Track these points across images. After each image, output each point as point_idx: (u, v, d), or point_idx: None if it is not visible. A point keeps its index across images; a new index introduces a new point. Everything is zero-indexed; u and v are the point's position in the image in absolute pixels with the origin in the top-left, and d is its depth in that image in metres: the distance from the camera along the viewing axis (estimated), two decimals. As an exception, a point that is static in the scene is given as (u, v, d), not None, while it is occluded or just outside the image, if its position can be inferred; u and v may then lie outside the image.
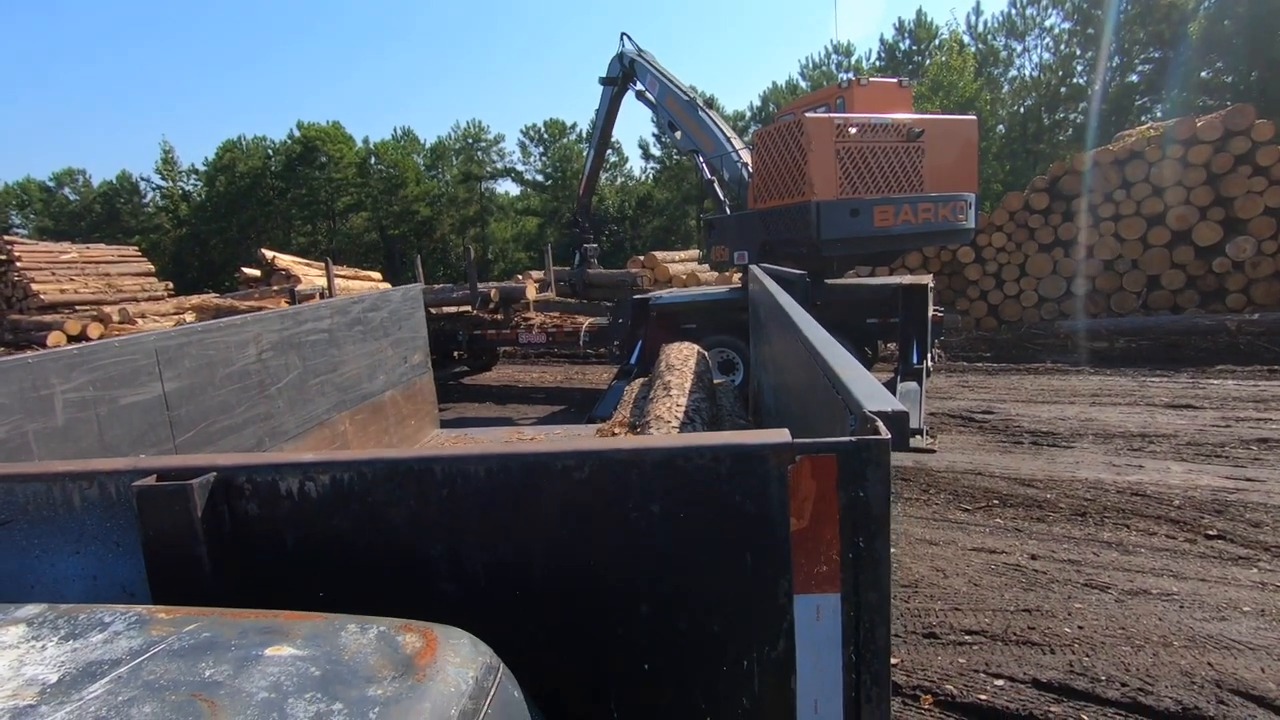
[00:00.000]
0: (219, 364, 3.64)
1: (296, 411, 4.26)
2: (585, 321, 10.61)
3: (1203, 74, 26.82)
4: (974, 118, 8.36)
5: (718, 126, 8.98)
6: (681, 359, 4.78)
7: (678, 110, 9.25)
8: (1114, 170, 11.62)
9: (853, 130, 7.13)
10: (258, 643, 0.86)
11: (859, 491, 1.05)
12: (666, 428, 3.42)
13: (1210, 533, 4.43)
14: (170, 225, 43.67)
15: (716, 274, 11.98)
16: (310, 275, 14.93)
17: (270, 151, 43.37)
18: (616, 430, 4.18)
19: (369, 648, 0.85)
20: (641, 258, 17.13)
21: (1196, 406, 7.28)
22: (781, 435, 1.11)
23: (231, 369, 3.74)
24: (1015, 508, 5.03)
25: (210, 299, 14.27)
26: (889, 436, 1.05)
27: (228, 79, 73.78)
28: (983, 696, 3.02)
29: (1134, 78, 30.08)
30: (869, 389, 1.23)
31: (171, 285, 17.24)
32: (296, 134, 41.89)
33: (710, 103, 9.81)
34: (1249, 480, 5.23)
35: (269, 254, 15.93)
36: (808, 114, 7.43)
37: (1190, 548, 4.28)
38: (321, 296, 12.12)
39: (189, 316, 12.56)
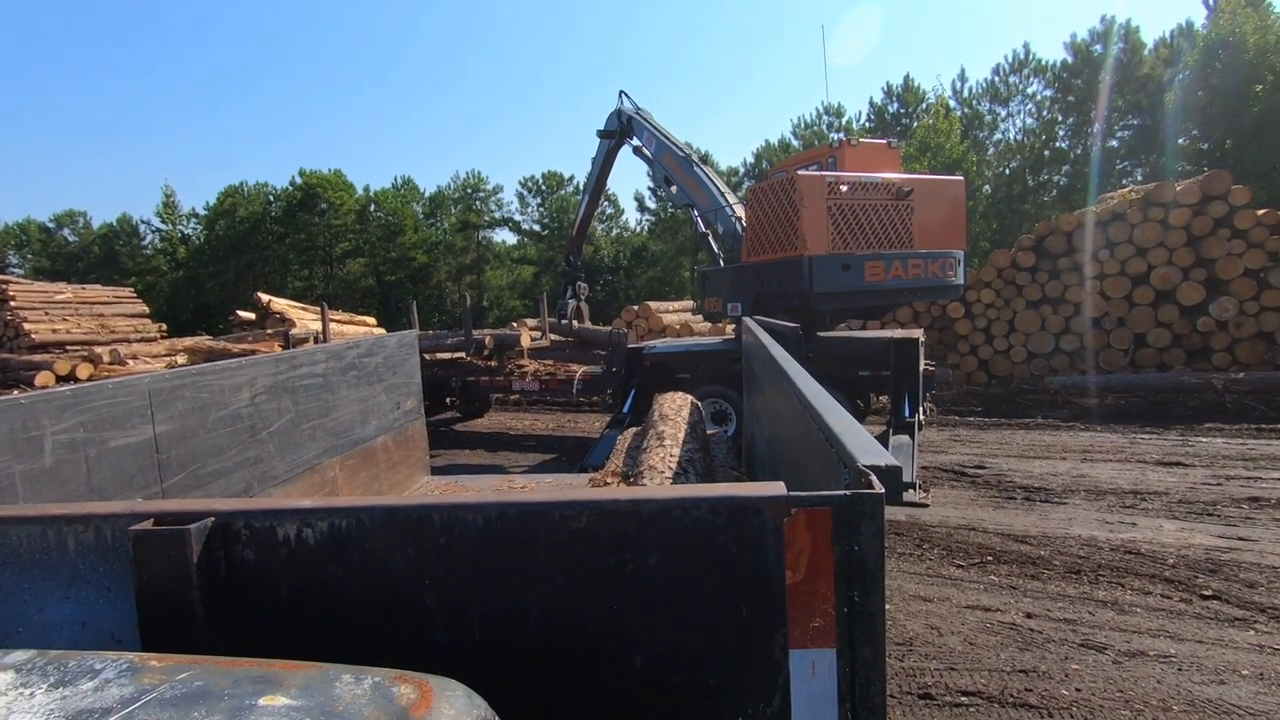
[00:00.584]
0: (211, 407, 3.63)
1: (287, 456, 4.23)
2: (579, 370, 10.65)
3: (1180, 140, 27.80)
4: (960, 178, 8.57)
5: (712, 182, 9.22)
6: (675, 409, 4.80)
7: (673, 166, 9.51)
8: (1098, 231, 11.93)
9: (844, 188, 7.33)
10: (251, 692, 0.85)
11: (854, 545, 1.06)
12: (660, 478, 3.41)
13: (1205, 593, 4.40)
14: (167, 268, 43.87)
15: (710, 325, 12.10)
16: (305, 319, 14.97)
17: (271, 197, 43.97)
18: (609, 480, 4.16)
19: (364, 699, 0.85)
20: (635, 307, 17.29)
21: (1187, 464, 7.31)
22: (777, 488, 1.12)
23: (224, 412, 3.72)
24: (1009, 564, 4.99)
25: (203, 341, 14.25)
26: (883, 490, 1.07)
27: (231, 124, 75.21)
28: (980, 761, 2.95)
29: (1114, 143, 31.16)
30: (862, 443, 1.25)
31: (165, 327, 17.22)
32: (298, 180, 42.59)
33: (705, 159, 10.11)
34: (1242, 539, 5.22)
35: (264, 297, 15.99)
36: (800, 171, 7.66)
37: (1186, 608, 4.24)
38: (316, 341, 12.14)
39: (181, 359, 12.53)
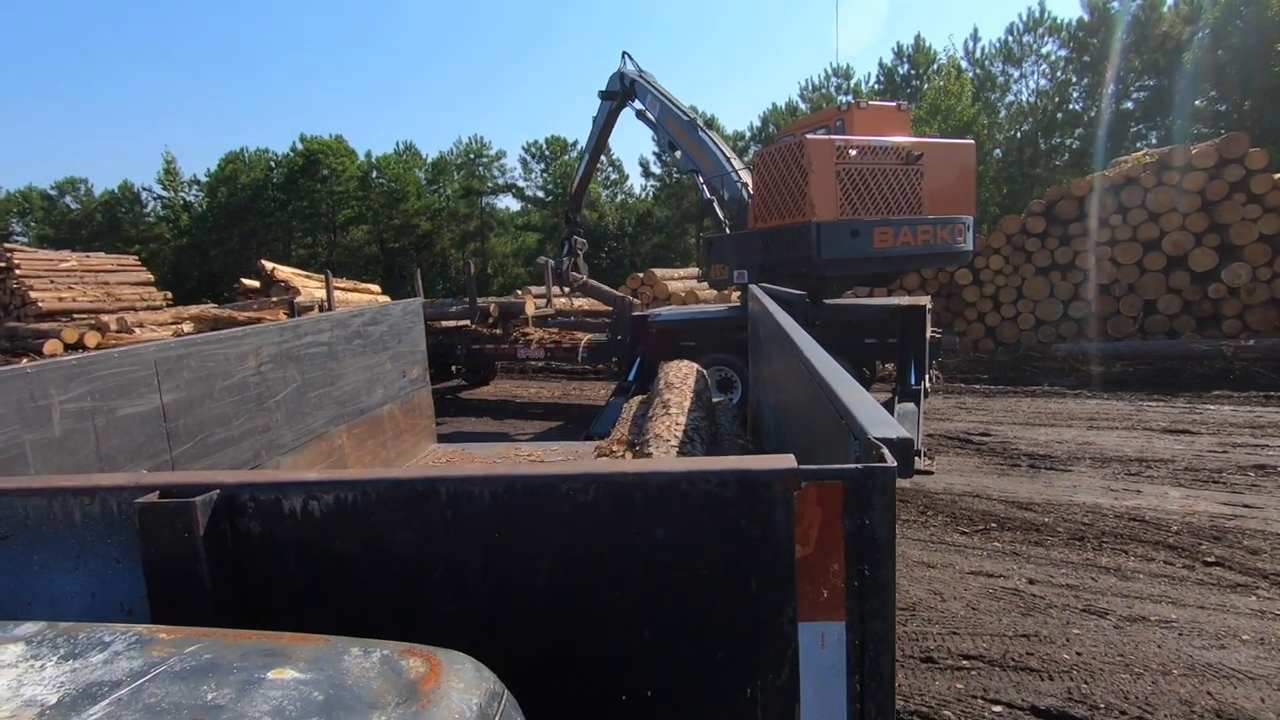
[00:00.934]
0: (218, 376, 3.63)
1: (294, 425, 4.24)
2: (584, 337, 10.63)
3: (1197, 102, 27.16)
4: (971, 142, 8.37)
5: (717, 147, 9.06)
6: (680, 377, 4.78)
7: (678, 130, 9.34)
8: (1110, 196, 11.73)
9: (853, 152, 7.19)
10: (260, 665, 0.85)
11: (864, 519, 1.05)
12: (665, 446, 3.41)
13: (1208, 559, 4.41)
14: (171, 235, 43.72)
15: (715, 292, 11.99)
16: (309, 287, 14.95)
17: (273, 163, 43.58)
18: (615, 448, 4.17)
19: (372, 672, 0.85)
20: (640, 274, 17.19)
21: (1193, 432, 7.29)
22: (787, 461, 1.11)
23: (230, 381, 3.73)
24: (1013, 531, 5.01)
25: (209, 309, 14.27)
26: (895, 464, 1.05)
27: (231, 90, 74.28)
28: (981, 723, 2.99)
29: (1130, 105, 30.46)
30: (873, 414, 1.23)
31: (170, 295, 17.23)
32: (299, 147, 42.13)
33: (710, 123, 9.92)
34: (1246, 507, 5.23)
35: (269, 265, 15.96)
36: (809, 135, 7.50)
37: (1189, 574, 4.26)
38: (321, 309, 12.13)
39: (187, 327, 12.54)
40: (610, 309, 10.45)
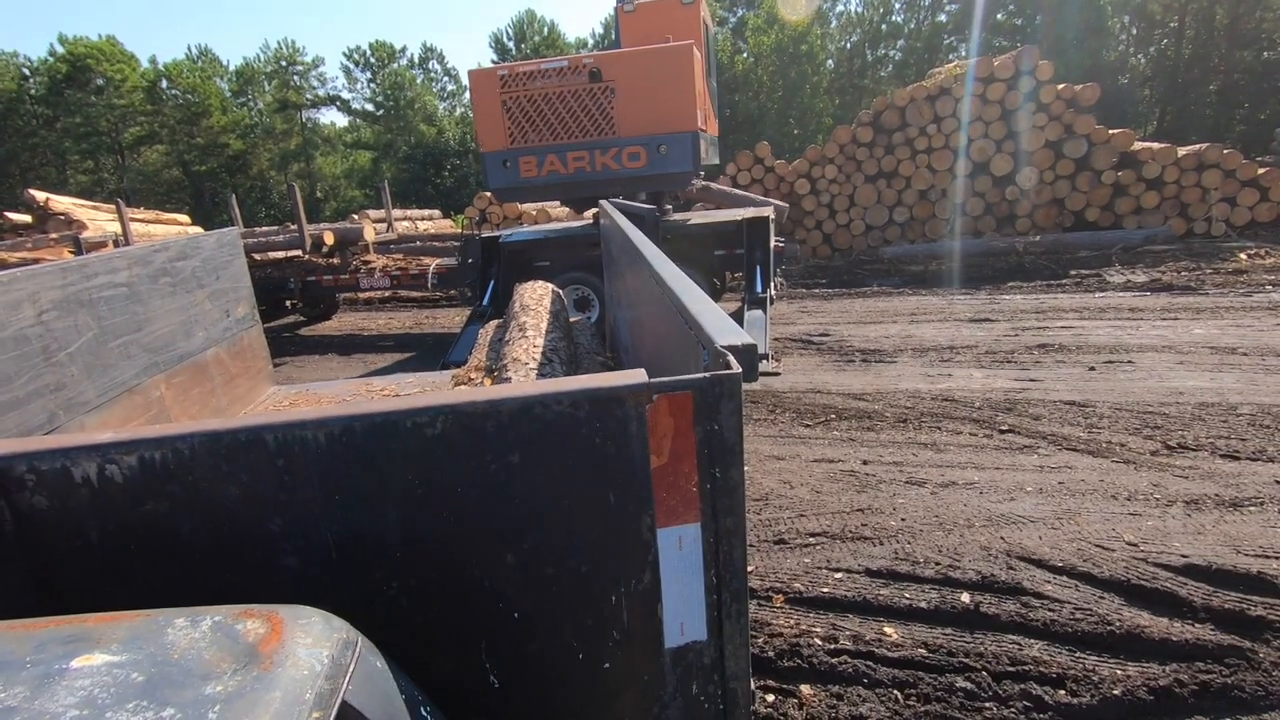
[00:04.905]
0: (-16, 330, 3.07)
1: (96, 379, 3.72)
2: (432, 263, 10.09)
3: (998, 16, 29.52)
4: (687, 44, 7.15)
5: None
6: (536, 298, 4.69)
7: None
8: (927, 105, 12.63)
9: (523, 77, 7.02)
10: (60, 654, 0.75)
11: (714, 425, 1.09)
12: (524, 370, 3.36)
13: (1003, 428, 5.15)
14: (-106, 161, 35.65)
15: (568, 210, 11.75)
16: (99, 220, 12.86)
17: (27, 71, 36.21)
18: (473, 375, 4.05)
19: (203, 642, 0.77)
20: (488, 193, 16.42)
21: (993, 320, 8.32)
22: (638, 376, 1.11)
23: (3, 334, 3.16)
24: (849, 420, 5.54)
25: (-35, 251, 11.91)
26: (740, 370, 1.09)
27: (-47, -23, 59.77)
28: (825, 589, 3.37)
29: (943, 17, 32.54)
30: (720, 324, 1.26)
31: (-95, 236, 14.15)
32: (60, 50, 35.20)
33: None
34: (1032, 381, 6.11)
35: (40, 195, 13.45)
36: (471, 69, 7.45)
37: (988, 442, 4.96)
38: (116, 244, 10.53)
39: (-63, 273, 10.43)
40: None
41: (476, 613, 1.14)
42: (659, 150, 7.17)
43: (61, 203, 13.55)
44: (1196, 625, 2.97)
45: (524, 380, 3.22)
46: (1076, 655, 2.87)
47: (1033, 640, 2.96)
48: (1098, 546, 3.54)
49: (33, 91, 35.67)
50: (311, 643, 0.79)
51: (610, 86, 6.99)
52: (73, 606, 0.90)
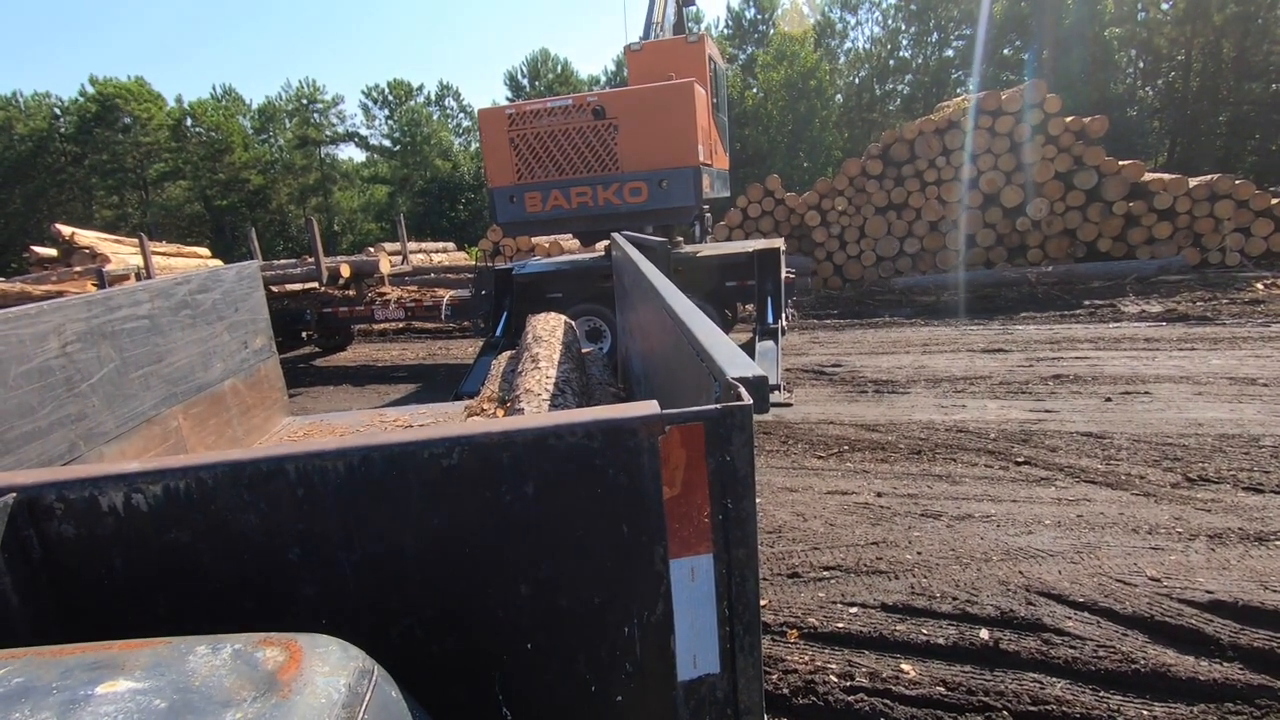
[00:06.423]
0: (12, 360, 3.14)
1: (116, 409, 3.78)
2: (446, 294, 10.21)
3: (1005, 51, 29.92)
4: (690, 82, 7.29)
5: None
6: (548, 329, 4.73)
7: None
8: (935, 139, 12.76)
9: (530, 117, 7.24)
10: (86, 681, 0.76)
11: (726, 455, 1.10)
12: (537, 401, 3.39)
13: (1019, 459, 5.09)
14: (-71, 197, 36.72)
15: (579, 243, 11.89)
16: (122, 254, 13.16)
17: (58, 111, 37.44)
18: (485, 406, 4.08)
19: (223, 669, 0.78)
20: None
21: (1006, 350, 8.28)
22: (650, 407, 1.13)
23: (29, 365, 3.23)
24: (863, 451, 5.50)
25: (-8, 284, 12.20)
26: (751, 401, 1.10)
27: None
28: (840, 624, 3.32)
29: (949, 53, 33.03)
30: (730, 355, 1.28)
31: (-63, 270, 14.53)
32: (90, 90, 36.40)
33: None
34: (1047, 411, 6.05)
35: (66, 230, 13.80)
36: (482, 108, 7.68)
37: (1004, 474, 4.90)
38: (138, 277, 10.76)
39: (-35, 306, 10.68)
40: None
41: (490, 643, 1.14)
42: (660, 185, 7.28)
43: (86, 237, 13.89)
44: (1225, 664, 2.89)
45: (537, 411, 3.24)
46: (1101, 694, 2.79)
47: (1055, 679, 2.89)
48: (1119, 581, 3.47)
49: (63, 130, 36.85)
50: (329, 671, 0.80)
51: (613, 123, 7.16)
52: (98, 633, 0.92)
